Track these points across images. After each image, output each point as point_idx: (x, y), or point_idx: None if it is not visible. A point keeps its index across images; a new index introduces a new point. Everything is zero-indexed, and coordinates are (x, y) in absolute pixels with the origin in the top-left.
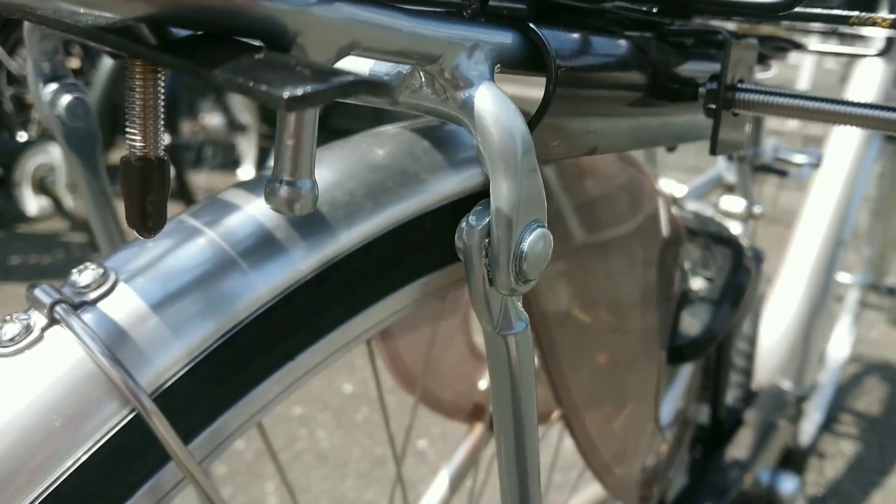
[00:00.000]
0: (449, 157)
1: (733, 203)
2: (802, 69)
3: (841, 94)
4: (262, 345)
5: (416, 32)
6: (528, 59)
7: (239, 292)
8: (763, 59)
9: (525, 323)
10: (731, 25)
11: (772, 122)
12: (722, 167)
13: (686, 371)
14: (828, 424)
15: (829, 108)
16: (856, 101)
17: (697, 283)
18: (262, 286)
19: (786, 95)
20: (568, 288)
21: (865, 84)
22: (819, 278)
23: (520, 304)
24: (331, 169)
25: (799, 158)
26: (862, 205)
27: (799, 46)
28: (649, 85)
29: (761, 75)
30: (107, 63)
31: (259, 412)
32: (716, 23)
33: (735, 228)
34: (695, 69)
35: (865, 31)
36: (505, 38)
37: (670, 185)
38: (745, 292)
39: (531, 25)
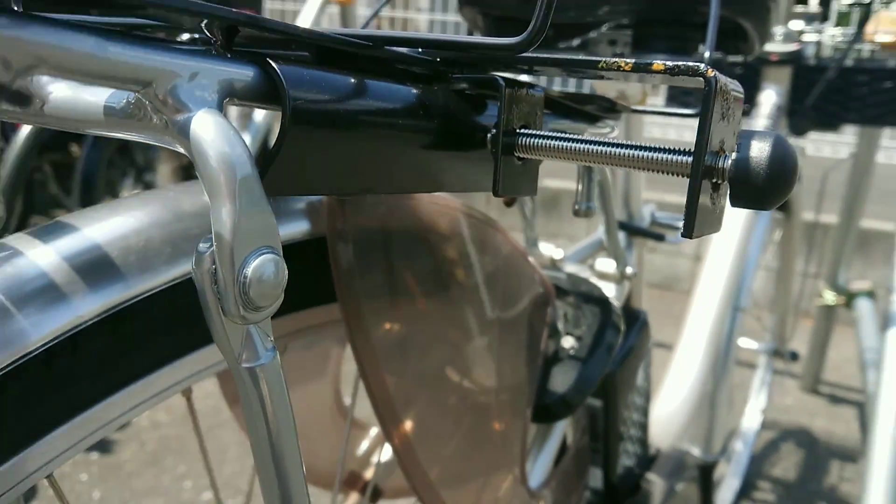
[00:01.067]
0: None
1: (607, 265)
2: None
3: None
4: (37, 396)
5: (117, 57)
6: (266, 94)
7: (8, 339)
8: (592, 119)
9: (273, 353)
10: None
11: (649, 192)
12: (601, 232)
13: (558, 430)
14: (745, 491)
15: (606, 151)
16: (634, 143)
17: (568, 342)
18: (34, 333)
19: (566, 139)
20: (412, 351)
21: None
22: (718, 344)
23: (267, 333)
24: (133, 216)
25: (675, 223)
26: (768, 273)
27: (614, 105)
28: (432, 129)
29: (602, 131)
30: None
31: (39, 470)
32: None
33: (609, 289)
34: (487, 117)
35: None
36: (241, 70)
37: (549, 248)
38: (614, 351)
39: (269, 60)
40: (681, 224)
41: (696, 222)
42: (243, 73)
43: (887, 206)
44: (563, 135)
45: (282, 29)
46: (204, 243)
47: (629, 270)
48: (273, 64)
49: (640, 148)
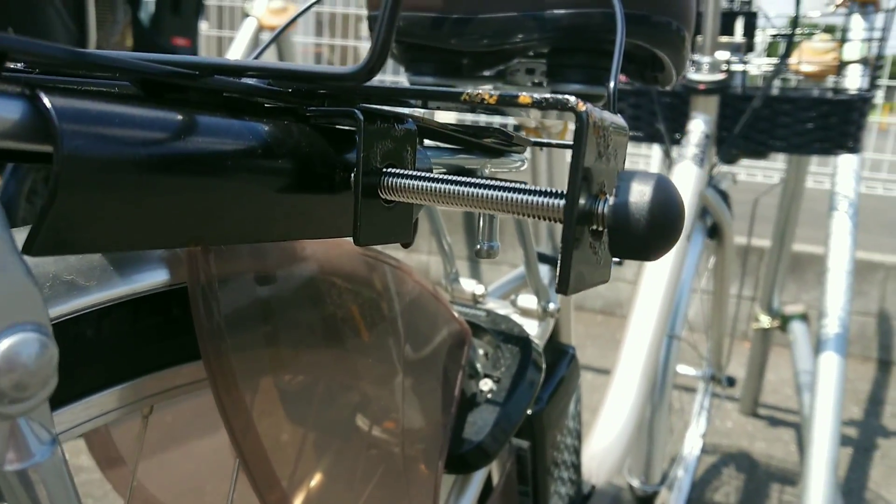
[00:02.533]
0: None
1: (529, 301)
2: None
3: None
4: None
5: None
6: (37, 133)
7: None
8: (499, 153)
9: (52, 446)
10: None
11: None
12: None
13: (477, 479)
14: None
15: (472, 193)
16: (504, 183)
17: (486, 385)
18: None
19: (434, 180)
20: (297, 408)
21: (682, 186)
22: (654, 372)
23: (42, 423)
24: None
25: None
26: (703, 298)
27: (510, 138)
28: (280, 170)
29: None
30: None
31: None
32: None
33: (532, 326)
34: (351, 154)
35: (698, 128)
36: (7, 107)
37: (470, 284)
38: (534, 391)
39: (38, 92)
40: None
41: (573, 275)
42: (10, 112)
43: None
44: (427, 175)
45: (53, 54)
46: None
47: (552, 306)
48: (43, 96)
49: (511, 189)
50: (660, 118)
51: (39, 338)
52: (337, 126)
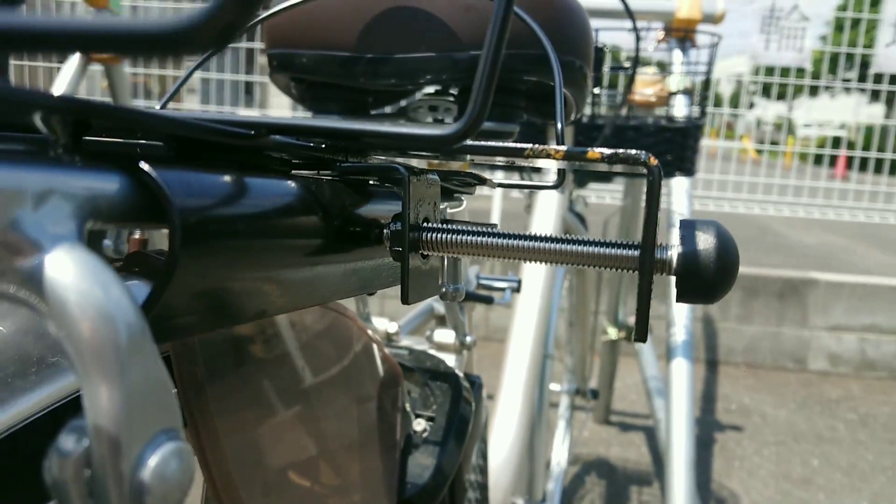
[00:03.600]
0: None
1: (446, 335)
2: (494, 199)
3: (527, 223)
4: None
5: None
6: (142, 210)
7: None
8: (451, 195)
9: None
10: (414, 161)
11: None
12: (431, 299)
13: None
14: None
15: (513, 244)
16: (537, 234)
17: (420, 425)
18: None
19: (472, 233)
20: (267, 463)
21: (546, 212)
22: (532, 392)
23: None
24: None
25: (501, 284)
26: (562, 316)
27: (483, 181)
28: (326, 230)
29: (452, 210)
30: None
31: None
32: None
33: (449, 360)
34: (378, 209)
35: (542, 163)
36: (105, 182)
37: (382, 323)
38: (469, 426)
39: (142, 165)
40: (505, 283)
41: (645, 324)
42: (105, 185)
43: None
44: (472, 228)
45: (145, 120)
46: (66, 439)
47: (469, 339)
48: (147, 169)
49: (587, 243)
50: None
51: (181, 448)
52: (367, 181)
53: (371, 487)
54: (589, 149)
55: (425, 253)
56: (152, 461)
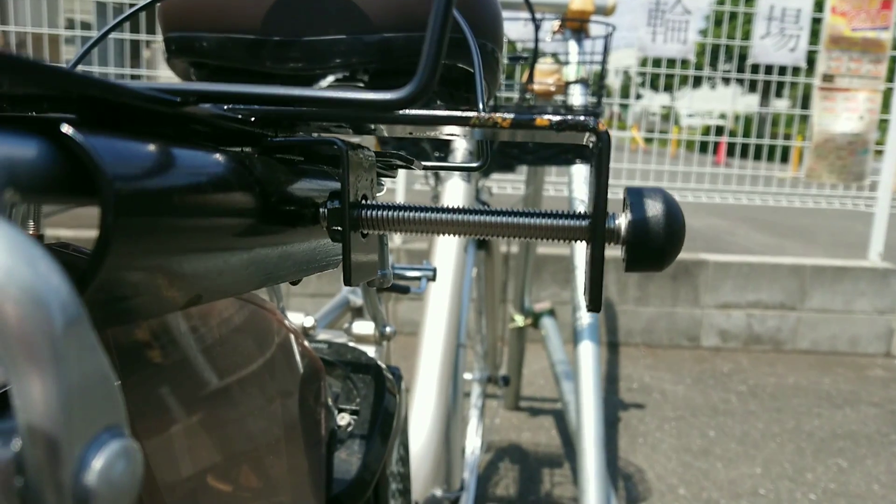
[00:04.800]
0: None
1: (364, 327)
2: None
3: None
4: None
5: None
6: (67, 181)
7: None
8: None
9: None
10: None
11: None
12: (346, 290)
13: None
14: None
15: (462, 219)
16: (486, 209)
17: (344, 419)
18: None
19: (416, 209)
20: (180, 465)
21: (454, 201)
22: (448, 382)
23: None
24: None
25: (415, 273)
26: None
27: (410, 161)
28: (260, 209)
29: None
30: None
31: None
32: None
33: (370, 352)
34: (313, 187)
35: (487, 133)
36: (22, 149)
37: (297, 317)
38: (394, 417)
39: (66, 130)
40: (419, 272)
41: (599, 295)
42: (23, 152)
43: None
44: (410, 205)
45: (56, 77)
46: (3, 439)
47: (388, 330)
48: (71, 133)
49: (533, 215)
50: (424, 139)
51: (128, 445)
52: (300, 158)
53: (297, 486)
54: (536, 116)
55: (365, 231)
56: (97, 463)
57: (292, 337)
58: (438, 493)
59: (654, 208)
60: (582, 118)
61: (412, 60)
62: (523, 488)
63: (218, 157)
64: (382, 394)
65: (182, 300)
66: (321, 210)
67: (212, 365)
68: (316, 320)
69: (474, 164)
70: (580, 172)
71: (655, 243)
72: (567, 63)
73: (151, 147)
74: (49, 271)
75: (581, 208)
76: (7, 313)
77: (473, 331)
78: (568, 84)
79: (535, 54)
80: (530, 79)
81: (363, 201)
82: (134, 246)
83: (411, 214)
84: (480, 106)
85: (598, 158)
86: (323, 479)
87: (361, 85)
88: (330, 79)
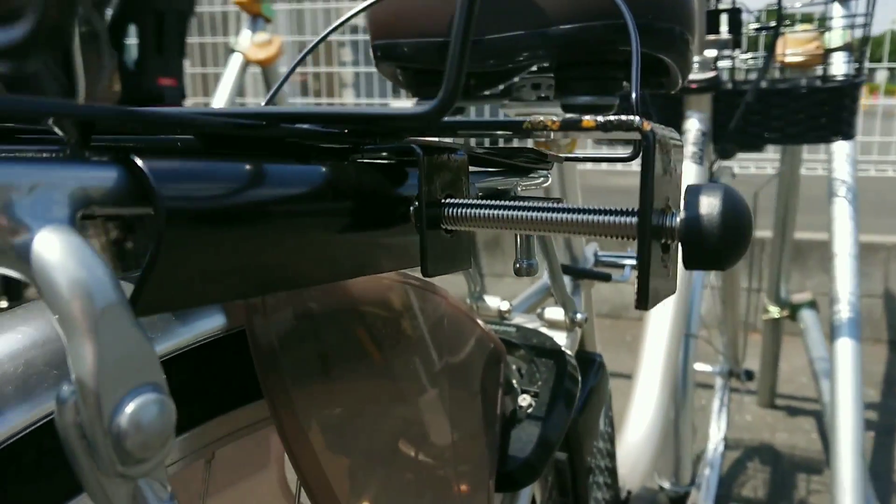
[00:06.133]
0: None
1: (556, 312)
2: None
3: None
4: None
5: None
6: (132, 196)
7: None
8: (524, 172)
9: (170, 502)
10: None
11: None
12: (548, 277)
13: (526, 495)
14: None
15: (543, 217)
16: (573, 205)
17: (525, 400)
18: None
19: (497, 207)
20: (353, 436)
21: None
22: (672, 373)
23: (161, 482)
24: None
25: (620, 261)
26: (713, 294)
27: (544, 157)
28: (344, 210)
29: (533, 187)
30: None
31: None
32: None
33: (560, 338)
34: (409, 187)
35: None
36: (100, 173)
37: (495, 301)
38: (574, 402)
39: (132, 156)
40: (627, 261)
41: (651, 289)
42: (102, 176)
43: (816, 215)
44: (493, 202)
45: (146, 117)
46: (67, 387)
47: (579, 317)
48: (137, 160)
49: (582, 211)
50: (654, 120)
51: (160, 398)
52: (393, 162)
53: (470, 460)
54: (583, 117)
55: (448, 228)
56: (129, 408)
57: (468, 320)
58: (666, 485)
59: (709, 206)
60: (626, 117)
61: (593, 50)
62: (773, 493)
63: (296, 168)
64: (563, 379)
65: (252, 290)
66: (410, 209)
67: (375, 343)
68: (512, 305)
69: (624, 155)
70: (842, 149)
71: (709, 242)
72: (828, 29)
73: (210, 165)
74: (96, 269)
75: (842, 190)
76: (65, 299)
77: (713, 321)
78: (827, 52)
79: (780, 23)
80: (772, 48)
81: (448, 199)
82: (185, 246)
83: (489, 212)
84: (634, 96)
85: (645, 156)
86: (494, 454)
87: (551, 75)
88: (520, 75)
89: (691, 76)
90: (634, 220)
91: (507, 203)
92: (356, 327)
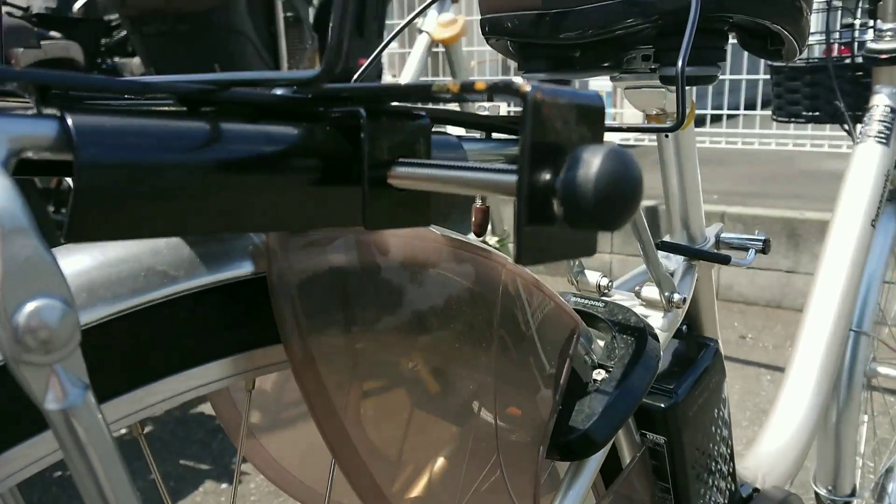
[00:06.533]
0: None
1: (653, 291)
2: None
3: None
4: None
5: None
6: (63, 147)
7: None
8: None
9: (83, 391)
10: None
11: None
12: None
13: (592, 465)
14: None
15: (436, 175)
16: (457, 163)
17: (600, 375)
18: None
19: (437, 167)
20: (378, 392)
21: (862, 168)
22: (830, 372)
23: (76, 372)
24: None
25: (743, 243)
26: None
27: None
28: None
29: None
30: None
31: None
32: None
33: (656, 318)
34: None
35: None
36: (40, 128)
37: (594, 276)
38: (647, 382)
39: (64, 113)
40: (749, 242)
41: (526, 246)
42: (42, 130)
43: None
44: (440, 162)
45: (91, 84)
46: None
47: (677, 297)
48: (68, 116)
49: (464, 168)
50: (838, 95)
51: (55, 305)
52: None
53: (518, 429)
54: (476, 80)
55: (401, 188)
56: (27, 308)
57: (539, 290)
58: (822, 492)
59: (586, 165)
60: (506, 79)
61: (682, 19)
62: None
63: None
64: (640, 356)
65: (151, 230)
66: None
67: (443, 309)
68: (611, 281)
69: (666, 126)
70: None
71: (584, 201)
72: None
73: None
74: (12, 201)
75: None
76: None
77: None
78: None
79: None
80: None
81: (398, 159)
82: (95, 183)
83: (431, 172)
84: (680, 64)
85: (524, 117)
86: (549, 423)
87: (647, 47)
88: (622, 45)
89: (882, 46)
90: (513, 178)
91: (423, 161)
92: (387, 284)
